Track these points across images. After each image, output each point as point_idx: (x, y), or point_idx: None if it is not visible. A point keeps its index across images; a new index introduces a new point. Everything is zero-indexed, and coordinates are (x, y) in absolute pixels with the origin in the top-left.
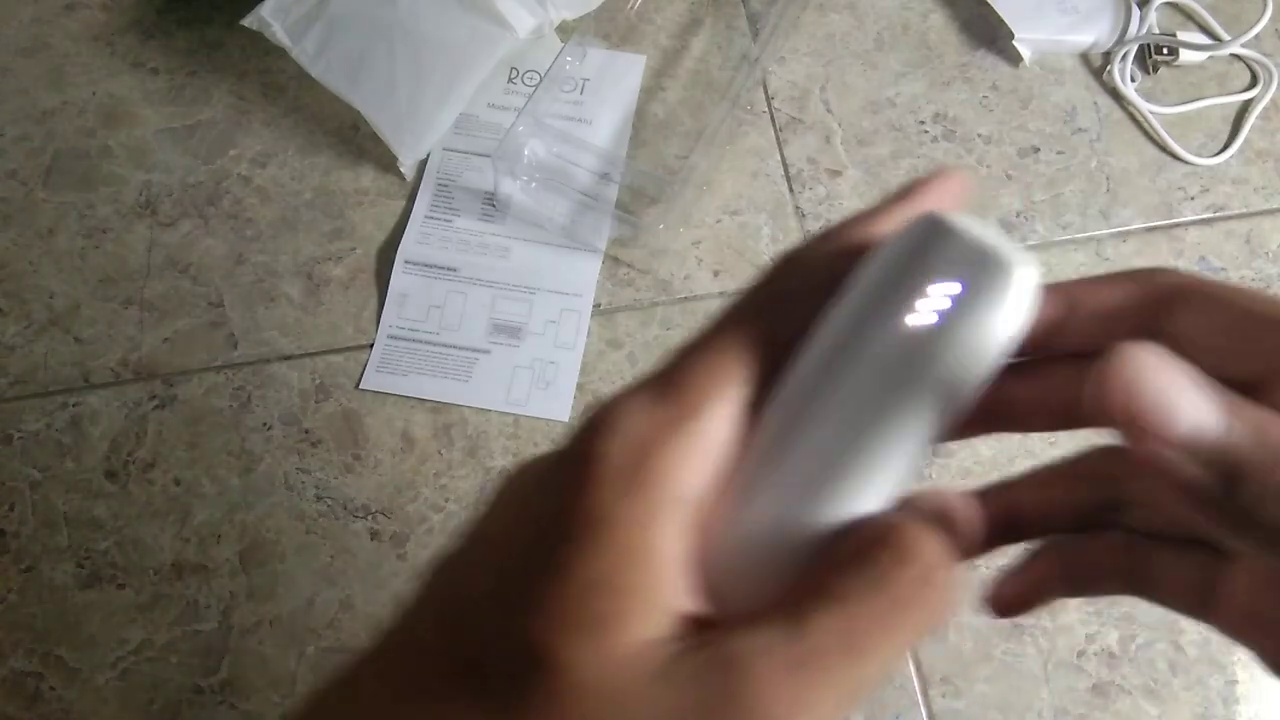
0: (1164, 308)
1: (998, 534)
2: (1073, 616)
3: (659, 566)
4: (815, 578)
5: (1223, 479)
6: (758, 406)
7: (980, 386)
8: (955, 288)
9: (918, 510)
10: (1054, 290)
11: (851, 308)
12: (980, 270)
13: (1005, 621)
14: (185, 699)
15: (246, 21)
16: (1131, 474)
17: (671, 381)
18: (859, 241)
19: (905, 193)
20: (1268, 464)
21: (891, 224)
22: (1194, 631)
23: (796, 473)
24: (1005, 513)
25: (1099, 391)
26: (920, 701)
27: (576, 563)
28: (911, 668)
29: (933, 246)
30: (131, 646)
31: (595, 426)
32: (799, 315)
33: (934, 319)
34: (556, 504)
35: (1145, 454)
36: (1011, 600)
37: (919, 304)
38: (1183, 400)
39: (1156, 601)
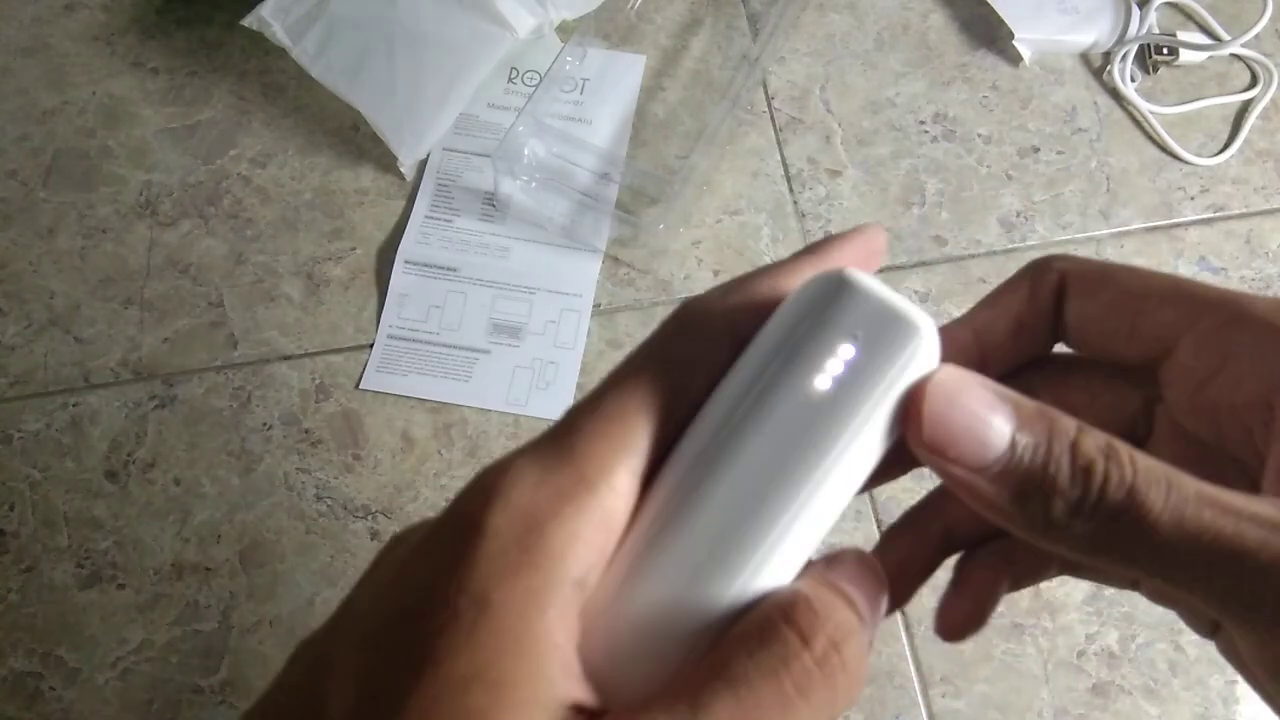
0: (1057, 300)
1: (938, 552)
2: (1073, 616)
3: (543, 655)
4: (714, 660)
5: (1015, 496)
6: (653, 472)
7: (887, 443)
8: (850, 350)
9: (824, 577)
10: (957, 327)
11: (750, 368)
12: (880, 328)
13: (1005, 621)
14: (185, 699)
15: (246, 21)
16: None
17: (565, 446)
18: (764, 296)
19: (817, 248)
20: (1050, 479)
21: (799, 279)
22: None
23: (693, 546)
24: (942, 533)
25: (910, 438)
26: (920, 701)
27: (447, 655)
28: (911, 668)
29: (833, 305)
30: (131, 646)
31: (483, 491)
32: (700, 373)
33: (831, 381)
34: (431, 581)
35: (951, 485)
36: (963, 623)
37: (818, 364)
38: (974, 427)
39: (1094, 578)
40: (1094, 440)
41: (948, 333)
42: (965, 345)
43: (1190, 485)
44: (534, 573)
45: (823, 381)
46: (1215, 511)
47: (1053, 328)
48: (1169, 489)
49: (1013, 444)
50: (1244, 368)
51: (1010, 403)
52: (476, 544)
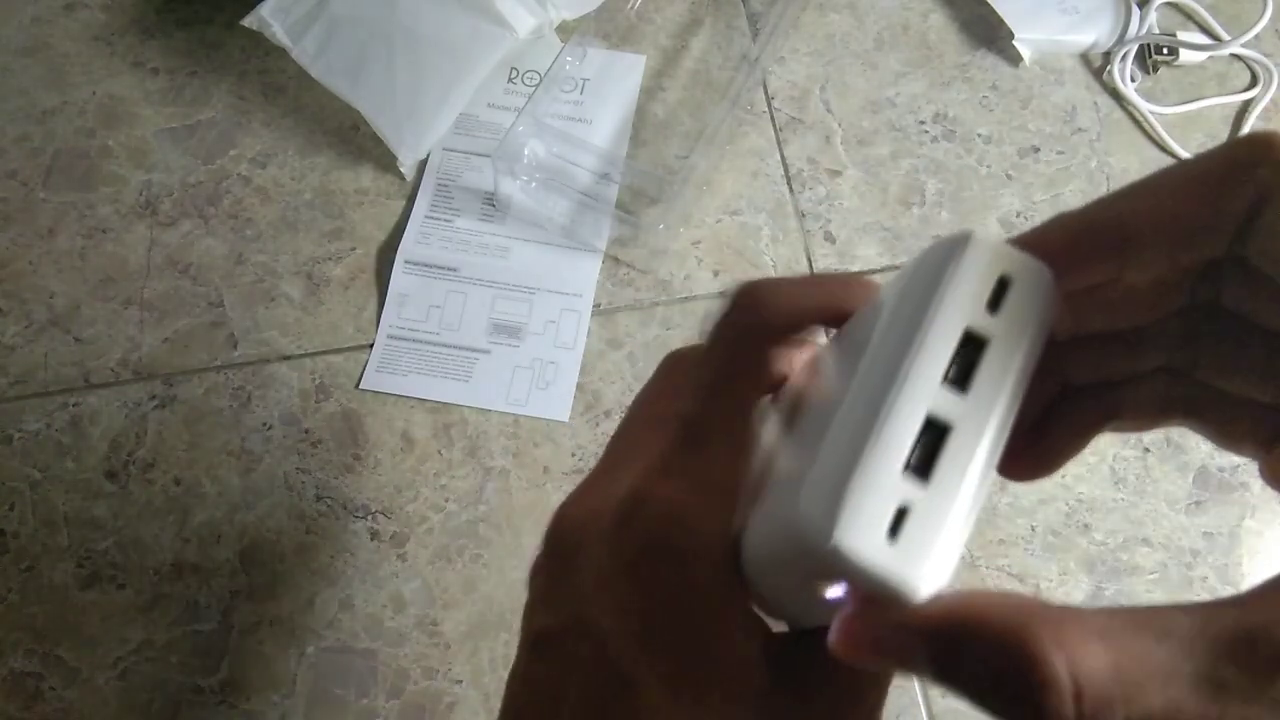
0: (1253, 208)
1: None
2: None
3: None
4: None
5: (931, 662)
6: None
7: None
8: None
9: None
10: (1130, 199)
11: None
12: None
13: None
14: (185, 699)
15: (246, 21)
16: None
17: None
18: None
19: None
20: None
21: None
22: None
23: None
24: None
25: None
26: (920, 701)
27: None
28: None
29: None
30: (131, 646)
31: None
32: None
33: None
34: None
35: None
36: (1038, 461)
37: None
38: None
39: (1212, 434)
40: None
41: (1106, 207)
42: (1129, 228)
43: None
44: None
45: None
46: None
47: (1233, 238)
48: None
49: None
50: None
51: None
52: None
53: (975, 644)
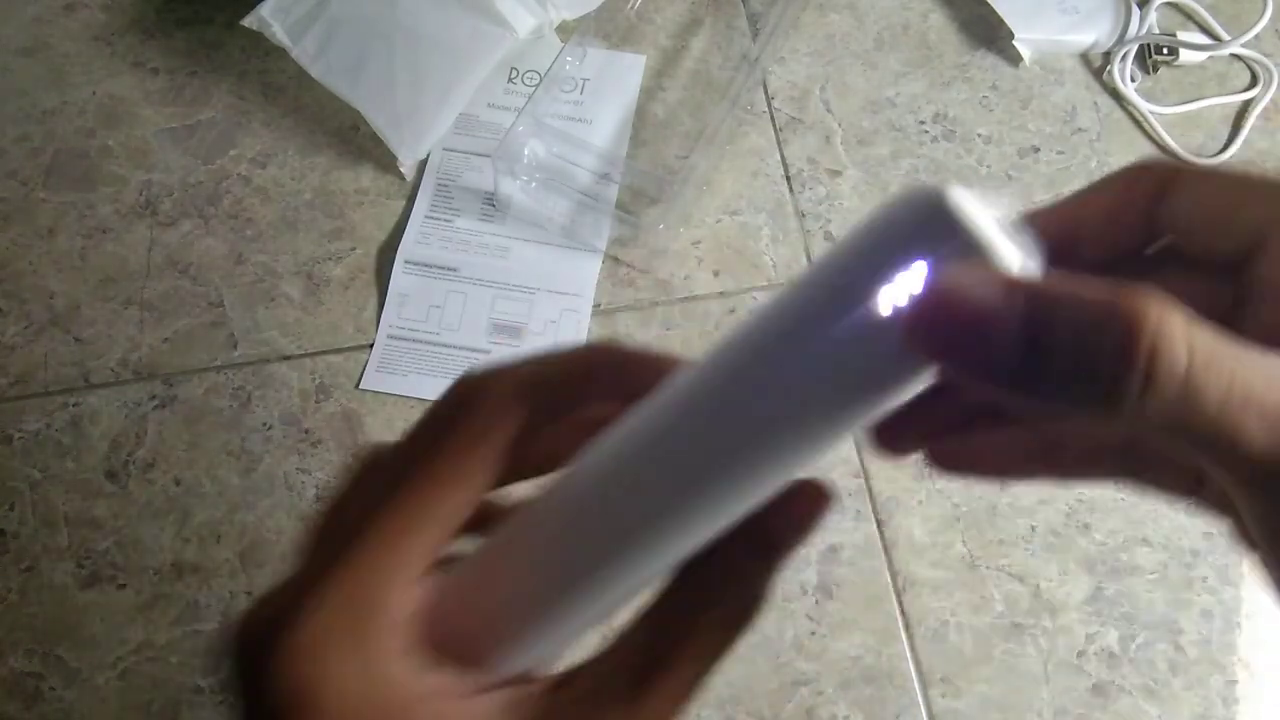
0: (1157, 197)
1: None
2: (1073, 616)
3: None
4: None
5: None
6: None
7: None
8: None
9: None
10: (1054, 212)
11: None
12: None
13: (1005, 621)
14: (185, 699)
15: (246, 21)
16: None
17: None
18: (560, 369)
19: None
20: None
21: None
22: (1194, 631)
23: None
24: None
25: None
26: (920, 701)
27: None
28: (911, 668)
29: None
30: (131, 646)
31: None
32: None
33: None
34: None
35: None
36: (942, 456)
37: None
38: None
39: (1149, 483)
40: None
41: (1039, 217)
42: (1058, 231)
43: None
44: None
45: (892, 300)
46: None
47: (1148, 226)
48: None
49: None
50: None
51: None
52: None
53: (1081, 306)
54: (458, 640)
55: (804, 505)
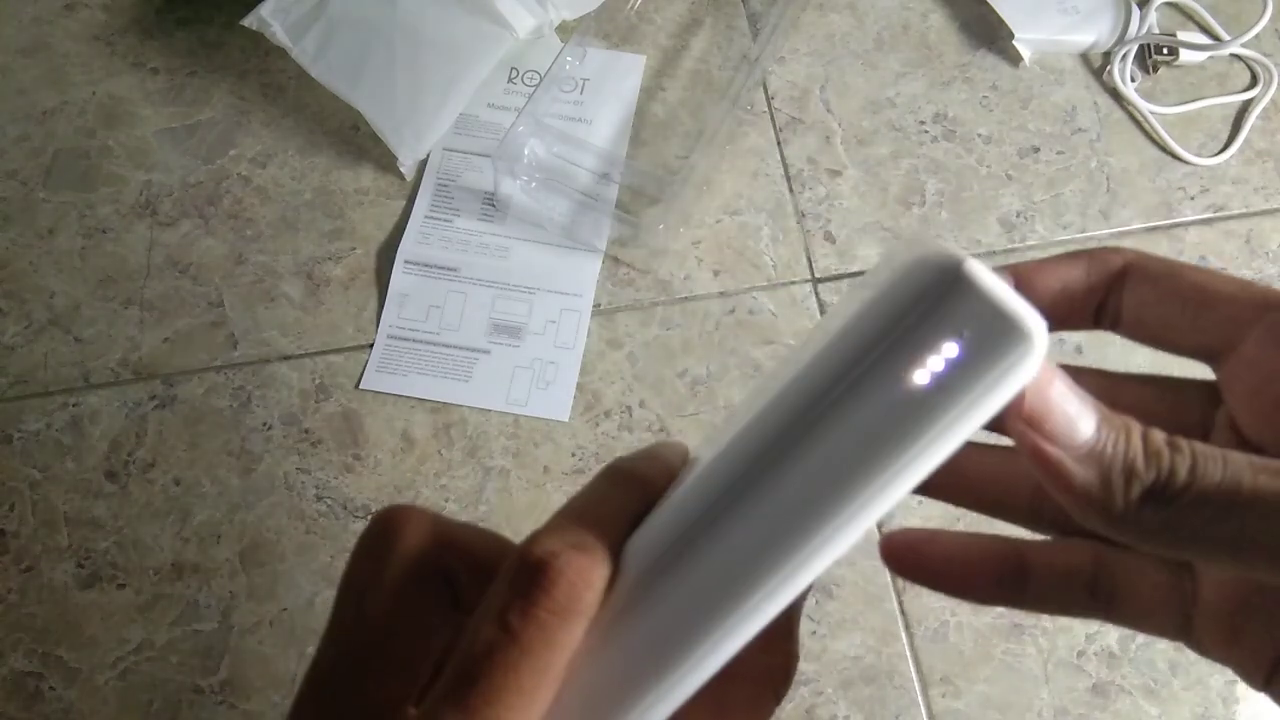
0: (1115, 284)
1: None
2: None
3: None
4: None
5: (1100, 478)
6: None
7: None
8: (954, 349)
9: None
10: (1004, 271)
11: (842, 352)
12: (989, 330)
13: (1005, 621)
14: (185, 699)
15: (246, 21)
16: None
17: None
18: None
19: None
20: (1131, 462)
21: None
22: None
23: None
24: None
25: (1011, 410)
26: (920, 701)
27: None
28: (911, 668)
29: (945, 299)
30: (131, 646)
31: None
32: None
33: (930, 379)
34: None
35: (1039, 463)
36: (917, 565)
37: (919, 359)
38: (1069, 410)
39: (1123, 620)
40: (1159, 435)
41: (1006, 274)
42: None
43: (1243, 458)
44: None
45: (921, 377)
46: (1269, 475)
47: (1096, 310)
48: (1225, 463)
49: (1099, 430)
50: None
51: (1091, 400)
52: None
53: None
54: None
55: None
